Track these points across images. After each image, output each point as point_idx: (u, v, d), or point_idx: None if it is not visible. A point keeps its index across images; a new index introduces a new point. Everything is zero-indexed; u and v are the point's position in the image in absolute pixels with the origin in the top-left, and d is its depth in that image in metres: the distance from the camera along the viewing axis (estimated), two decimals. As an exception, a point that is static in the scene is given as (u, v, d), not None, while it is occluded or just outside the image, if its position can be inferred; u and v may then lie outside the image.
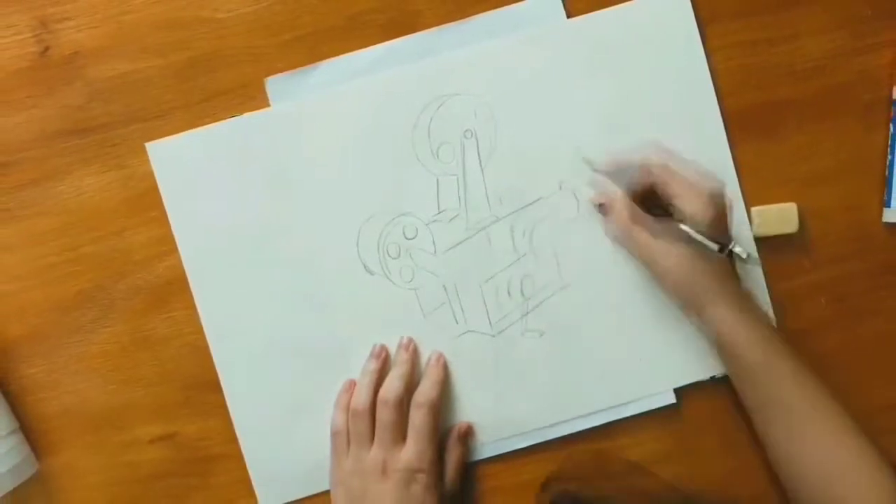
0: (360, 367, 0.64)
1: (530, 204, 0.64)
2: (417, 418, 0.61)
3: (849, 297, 0.65)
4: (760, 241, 0.64)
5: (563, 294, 0.64)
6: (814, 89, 0.65)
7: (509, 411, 0.64)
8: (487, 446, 0.64)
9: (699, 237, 0.58)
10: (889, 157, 0.64)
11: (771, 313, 0.64)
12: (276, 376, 0.64)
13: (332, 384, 0.64)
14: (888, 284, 0.65)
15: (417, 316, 0.64)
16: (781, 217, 0.64)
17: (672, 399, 0.64)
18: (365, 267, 0.64)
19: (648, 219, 0.60)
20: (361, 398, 0.62)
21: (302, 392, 0.64)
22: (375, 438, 0.61)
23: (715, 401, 0.64)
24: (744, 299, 0.60)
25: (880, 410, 0.65)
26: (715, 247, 0.57)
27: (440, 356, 0.64)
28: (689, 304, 0.61)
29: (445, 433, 0.64)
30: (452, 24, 0.64)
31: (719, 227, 0.59)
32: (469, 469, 0.65)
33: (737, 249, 0.58)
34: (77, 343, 0.64)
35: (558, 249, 0.64)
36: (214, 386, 0.64)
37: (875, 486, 0.56)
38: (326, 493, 0.64)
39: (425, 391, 0.62)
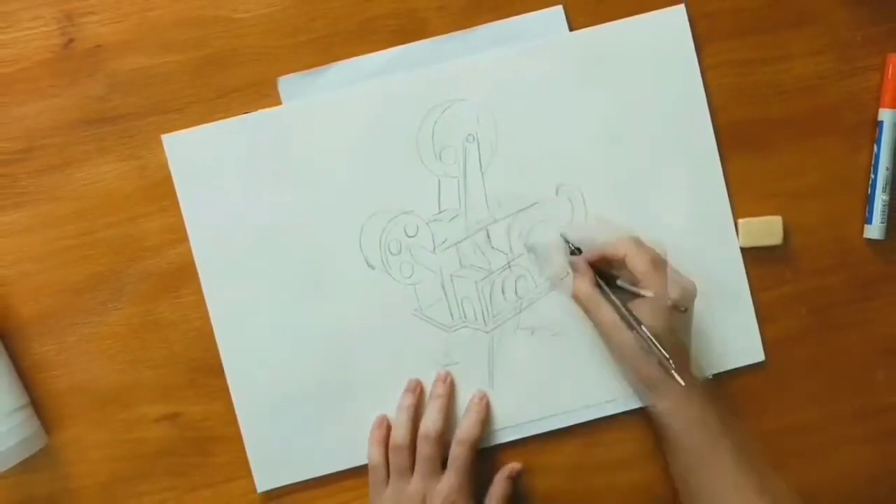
0: (358, 358, 0.66)
1: (527, 207, 0.66)
2: (459, 453, 0.63)
3: (829, 308, 0.67)
4: (746, 251, 0.67)
5: (554, 295, 0.66)
6: (803, 108, 0.67)
7: (499, 404, 0.66)
8: (477, 438, 0.67)
9: (644, 341, 0.59)
10: (872, 176, 0.67)
11: (754, 321, 0.66)
12: (277, 363, 0.66)
13: (330, 373, 0.66)
14: (866, 297, 0.67)
15: (415, 309, 0.66)
16: (767, 229, 0.66)
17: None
18: (366, 261, 0.66)
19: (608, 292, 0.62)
20: (401, 433, 0.63)
21: (301, 380, 0.66)
22: (415, 471, 0.63)
23: (696, 402, 0.67)
24: (693, 390, 0.60)
25: (854, 418, 0.67)
26: (665, 363, 0.58)
27: (483, 395, 0.66)
28: (634, 383, 0.63)
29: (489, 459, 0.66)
30: (459, 32, 0.66)
31: (678, 322, 0.60)
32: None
33: (676, 375, 0.58)
34: (88, 324, 0.66)
35: (552, 252, 0.66)
36: (218, 370, 0.66)
37: None
38: (321, 477, 0.66)
39: (468, 429, 0.64)
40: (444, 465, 0.63)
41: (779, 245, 0.66)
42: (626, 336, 0.61)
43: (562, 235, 0.65)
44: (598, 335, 0.64)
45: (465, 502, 0.62)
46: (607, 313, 0.61)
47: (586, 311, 0.63)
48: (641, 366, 0.61)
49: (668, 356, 0.58)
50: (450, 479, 0.62)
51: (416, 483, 0.62)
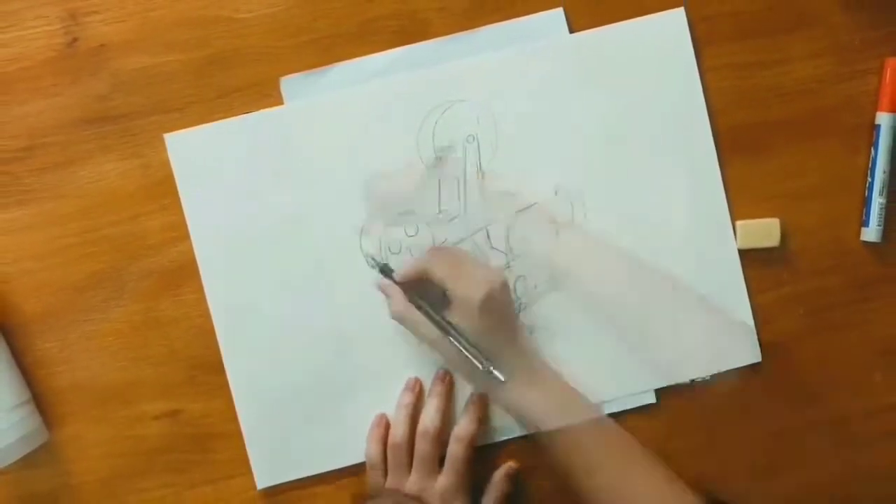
0: (358, 357, 0.66)
1: (526, 208, 0.67)
2: (456, 451, 0.63)
3: (826, 309, 0.68)
4: (744, 253, 0.67)
5: (553, 295, 0.67)
6: (801, 111, 0.67)
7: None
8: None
9: (456, 343, 0.60)
10: (869, 179, 0.67)
11: (751, 322, 0.67)
12: (277, 361, 0.66)
13: (330, 372, 0.66)
14: (863, 299, 0.68)
15: (415, 309, 0.67)
16: (764, 231, 0.67)
17: (652, 399, 0.67)
18: (367, 261, 0.67)
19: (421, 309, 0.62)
20: (400, 431, 0.64)
21: (301, 377, 0.66)
22: (413, 468, 0.63)
23: (693, 403, 0.67)
24: (528, 369, 0.62)
25: (852, 419, 0.68)
26: (479, 365, 0.59)
27: (482, 395, 0.66)
28: (484, 389, 0.64)
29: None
30: (460, 33, 0.66)
31: (492, 317, 0.61)
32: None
33: (495, 372, 0.60)
34: (90, 321, 0.66)
35: (551, 252, 0.66)
36: (219, 367, 0.66)
37: None
38: (320, 475, 0.66)
39: (466, 427, 0.64)
40: (441, 463, 0.64)
41: (776, 247, 0.67)
42: (450, 347, 0.61)
43: (369, 258, 0.66)
44: (426, 345, 0.63)
45: (462, 500, 0.63)
46: (426, 328, 0.62)
47: (408, 329, 0.63)
48: (474, 375, 0.62)
49: (482, 359, 0.59)
50: (447, 477, 0.63)
51: (413, 481, 0.63)
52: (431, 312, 0.62)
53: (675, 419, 0.67)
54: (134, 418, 0.67)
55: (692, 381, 0.67)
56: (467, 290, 0.61)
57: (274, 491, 0.67)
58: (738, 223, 0.67)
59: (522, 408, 0.62)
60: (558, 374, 0.64)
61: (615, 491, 0.60)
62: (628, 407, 0.67)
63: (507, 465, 0.66)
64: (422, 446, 0.63)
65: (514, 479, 0.66)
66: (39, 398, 0.66)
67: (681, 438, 0.67)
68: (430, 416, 0.64)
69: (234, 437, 0.66)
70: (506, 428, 0.67)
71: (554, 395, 0.62)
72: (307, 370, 0.66)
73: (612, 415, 0.66)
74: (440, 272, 0.62)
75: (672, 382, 0.67)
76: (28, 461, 0.64)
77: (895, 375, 0.68)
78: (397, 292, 0.63)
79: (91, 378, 0.67)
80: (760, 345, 0.67)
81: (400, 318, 0.63)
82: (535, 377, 0.62)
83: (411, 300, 0.63)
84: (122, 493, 0.67)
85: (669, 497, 0.60)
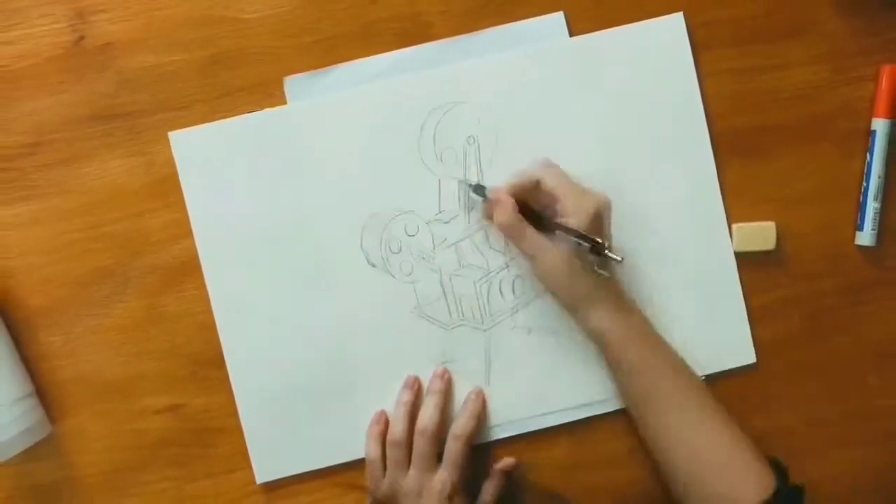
0: (357, 354, 0.67)
1: (525, 209, 0.67)
2: (454, 447, 0.64)
3: (820, 312, 0.69)
4: (740, 255, 0.68)
5: (550, 295, 0.67)
6: (798, 117, 0.68)
7: (495, 401, 0.67)
8: (473, 434, 0.68)
9: (574, 233, 0.60)
10: (864, 183, 0.68)
11: (746, 323, 0.68)
12: (277, 357, 0.67)
13: (330, 368, 0.67)
14: (857, 302, 0.69)
15: (414, 307, 0.67)
16: (760, 235, 0.68)
17: (648, 399, 0.68)
18: (367, 259, 0.67)
19: (529, 220, 0.63)
20: (398, 428, 0.65)
21: (301, 374, 0.67)
22: (412, 465, 0.64)
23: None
24: (620, 299, 0.63)
25: (845, 421, 0.69)
26: (587, 245, 0.60)
27: (480, 391, 0.67)
28: (568, 303, 0.64)
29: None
30: (462, 36, 0.67)
31: (597, 229, 0.61)
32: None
33: (611, 254, 0.60)
34: (94, 316, 0.67)
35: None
36: (220, 363, 0.67)
37: (747, 482, 0.59)
38: (319, 470, 0.67)
39: (464, 424, 0.65)
40: (440, 459, 0.65)
41: (772, 250, 0.68)
42: (553, 253, 0.61)
43: (462, 182, 0.66)
44: (529, 263, 0.64)
45: (460, 496, 0.63)
46: (532, 234, 0.62)
47: (512, 238, 0.64)
48: (574, 280, 0.62)
49: (600, 240, 0.60)
50: (445, 473, 0.63)
51: (412, 477, 0.64)
52: (542, 216, 0.62)
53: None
54: (136, 412, 0.67)
55: (686, 381, 0.67)
56: (581, 199, 0.61)
57: (273, 485, 0.68)
58: (735, 226, 0.68)
59: (610, 331, 0.62)
60: (639, 308, 0.65)
61: (685, 442, 0.61)
62: (622, 406, 0.67)
63: (504, 461, 0.67)
64: (420, 443, 0.64)
65: (510, 474, 0.67)
66: (42, 391, 0.67)
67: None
68: (428, 414, 0.65)
69: (235, 431, 0.67)
70: (503, 426, 0.68)
71: (638, 326, 0.63)
72: (307, 367, 0.67)
73: (608, 413, 0.68)
74: (553, 181, 0.62)
75: (668, 382, 0.68)
76: (31, 454, 0.65)
77: (889, 378, 0.69)
78: (509, 201, 0.63)
79: (94, 372, 0.67)
80: (755, 346, 0.68)
81: (508, 225, 0.63)
82: (622, 305, 0.63)
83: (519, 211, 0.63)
84: (123, 485, 0.67)
85: (738, 459, 0.60)
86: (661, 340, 0.63)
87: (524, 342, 0.68)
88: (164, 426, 0.67)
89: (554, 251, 0.62)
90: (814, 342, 0.69)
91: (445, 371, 0.67)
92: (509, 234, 0.64)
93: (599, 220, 0.62)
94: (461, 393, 0.67)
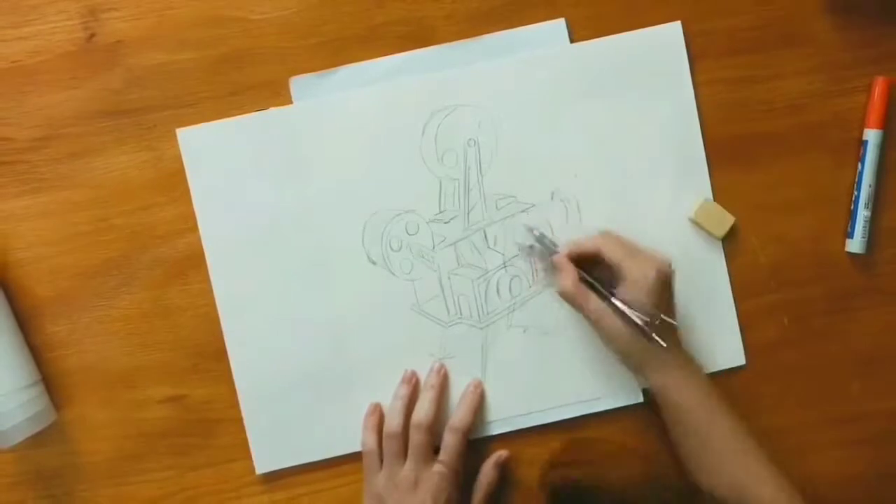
0: (357, 349, 0.68)
1: (524, 210, 0.69)
2: (452, 440, 0.65)
3: (809, 317, 0.70)
4: (731, 260, 0.69)
5: (547, 295, 0.69)
6: (791, 126, 0.69)
7: (490, 398, 0.69)
8: (468, 429, 0.69)
9: (627, 311, 0.61)
10: (855, 192, 0.69)
11: (737, 327, 0.69)
12: (279, 351, 0.68)
13: (330, 362, 0.68)
14: (845, 308, 0.70)
15: (413, 304, 0.69)
16: (717, 218, 0.68)
17: (640, 398, 0.69)
18: (368, 257, 0.68)
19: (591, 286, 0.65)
20: (395, 421, 0.66)
21: (302, 367, 0.68)
22: (408, 457, 0.65)
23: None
24: (685, 363, 0.64)
25: (828, 424, 0.70)
26: (640, 321, 0.61)
27: (478, 384, 0.68)
28: (634, 367, 0.65)
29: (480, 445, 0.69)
30: (465, 40, 0.68)
31: (658, 297, 0.63)
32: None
33: (657, 338, 0.61)
34: (100, 307, 0.68)
35: (546, 254, 0.68)
36: (222, 355, 0.68)
37: None
38: (318, 461, 0.68)
39: (462, 417, 0.66)
40: (436, 452, 0.66)
41: (720, 238, 0.68)
42: (614, 321, 0.63)
43: (537, 235, 0.67)
44: (592, 328, 0.65)
45: (455, 487, 0.65)
46: (594, 302, 0.64)
47: (574, 305, 0.65)
48: (633, 346, 0.63)
49: (647, 320, 0.61)
50: (442, 465, 0.65)
51: (408, 468, 0.65)
52: (600, 287, 0.64)
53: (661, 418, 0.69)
54: (139, 402, 0.69)
55: (678, 382, 0.69)
56: (643, 268, 0.63)
57: (273, 476, 0.69)
58: (704, 199, 0.68)
59: (671, 391, 0.63)
60: (699, 363, 0.66)
61: (733, 488, 0.62)
62: (618, 405, 0.69)
63: (497, 454, 0.68)
64: (416, 436, 0.65)
65: (502, 467, 0.68)
66: (48, 380, 0.68)
67: (665, 435, 0.67)
68: (424, 408, 0.66)
69: (236, 422, 0.68)
70: (498, 422, 0.69)
71: (699, 386, 0.64)
72: (308, 360, 0.68)
73: (602, 412, 0.69)
74: (614, 252, 0.63)
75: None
76: (36, 440, 0.66)
77: (873, 385, 0.70)
78: (571, 269, 0.65)
79: (99, 362, 0.69)
80: (745, 349, 0.69)
81: (569, 294, 0.64)
82: (685, 365, 0.64)
83: (581, 278, 0.64)
84: (125, 473, 0.69)
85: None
86: (721, 401, 0.64)
87: (520, 340, 0.69)
88: (166, 416, 0.69)
89: (614, 319, 0.63)
90: (802, 346, 0.70)
91: (442, 367, 0.68)
92: (572, 301, 0.65)
93: (661, 287, 0.63)
94: (457, 388, 0.69)
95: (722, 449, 0.62)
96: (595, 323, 0.64)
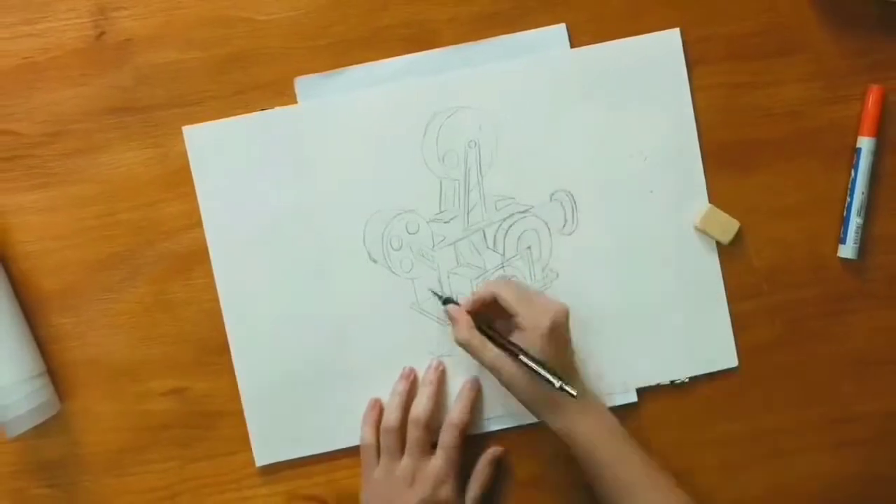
0: (357, 345, 0.69)
1: (523, 211, 0.70)
2: (449, 436, 0.66)
3: (801, 320, 0.71)
4: (725, 263, 0.70)
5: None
6: (787, 132, 0.70)
7: (487, 395, 0.69)
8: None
9: (533, 365, 0.61)
10: (848, 199, 0.70)
11: (730, 329, 0.70)
12: (280, 345, 0.69)
13: (330, 358, 0.69)
14: (837, 312, 0.71)
15: (413, 303, 0.70)
16: (723, 225, 0.69)
17: (634, 398, 0.70)
18: (369, 255, 0.69)
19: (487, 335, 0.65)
20: (393, 416, 0.67)
21: (302, 362, 0.69)
22: (406, 452, 0.66)
23: (672, 402, 0.70)
24: (586, 405, 0.64)
25: (819, 425, 0.71)
26: (551, 380, 0.60)
27: (476, 381, 0.69)
28: (533, 410, 0.65)
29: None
30: (468, 44, 0.69)
31: (555, 341, 0.63)
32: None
33: (567, 388, 0.60)
34: (105, 300, 0.69)
35: (544, 254, 0.70)
36: (224, 349, 0.69)
37: None
38: (317, 455, 0.69)
39: (459, 414, 0.67)
40: (433, 447, 0.67)
41: (726, 244, 0.69)
42: (513, 368, 0.63)
43: (431, 291, 0.69)
44: (490, 373, 0.65)
45: (452, 482, 0.66)
46: (490, 351, 0.64)
47: (471, 353, 0.65)
48: (534, 392, 0.63)
49: (554, 372, 0.61)
50: (439, 460, 0.66)
51: (406, 463, 0.66)
52: (499, 336, 0.64)
53: (654, 417, 0.70)
54: (142, 394, 0.69)
55: (672, 381, 0.70)
56: (537, 316, 0.63)
57: (272, 468, 0.70)
58: (709, 206, 0.69)
59: (577, 433, 0.63)
60: (602, 401, 0.67)
61: None
62: (611, 404, 0.69)
63: (493, 450, 0.69)
64: (413, 432, 0.66)
65: (497, 463, 0.69)
66: (53, 371, 0.69)
67: (658, 435, 0.70)
68: (422, 404, 0.67)
69: (237, 415, 0.69)
70: (494, 419, 0.70)
71: (603, 423, 0.64)
72: (308, 355, 0.69)
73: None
74: (510, 298, 0.64)
75: (653, 383, 0.70)
76: (40, 430, 0.67)
77: (864, 387, 0.71)
78: (465, 318, 0.65)
79: (103, 354, 0.69)
80: (738, 351, 0.70)
81: (465, 342, 0.65)
82: (587, 405, 0.64)
83: (477, 326, 0.65)
84: (128, 464, 0.69)
85: None
86: (628, 439, 0.64)
87: (517, 339, 0.70)
88: (168, 408, 0.69)
89: (513, 367, 0.63)
90: (794, 349, 0.71)
91: (440, 364, 0.69)
92: (468, 350, 0.65)
93: (557, 332, 0.64)
94: (455, 385, 0.70)
95: (633, 482, 0.63)
96: (494, 370, 0.64)
